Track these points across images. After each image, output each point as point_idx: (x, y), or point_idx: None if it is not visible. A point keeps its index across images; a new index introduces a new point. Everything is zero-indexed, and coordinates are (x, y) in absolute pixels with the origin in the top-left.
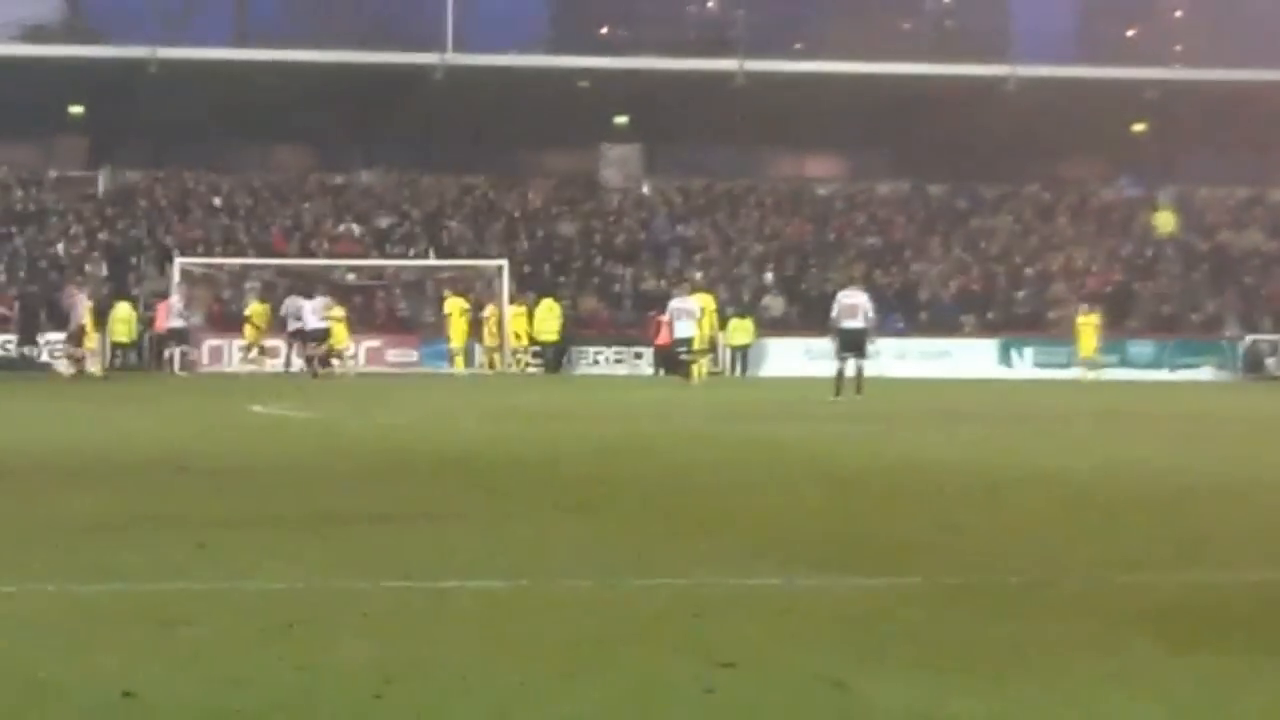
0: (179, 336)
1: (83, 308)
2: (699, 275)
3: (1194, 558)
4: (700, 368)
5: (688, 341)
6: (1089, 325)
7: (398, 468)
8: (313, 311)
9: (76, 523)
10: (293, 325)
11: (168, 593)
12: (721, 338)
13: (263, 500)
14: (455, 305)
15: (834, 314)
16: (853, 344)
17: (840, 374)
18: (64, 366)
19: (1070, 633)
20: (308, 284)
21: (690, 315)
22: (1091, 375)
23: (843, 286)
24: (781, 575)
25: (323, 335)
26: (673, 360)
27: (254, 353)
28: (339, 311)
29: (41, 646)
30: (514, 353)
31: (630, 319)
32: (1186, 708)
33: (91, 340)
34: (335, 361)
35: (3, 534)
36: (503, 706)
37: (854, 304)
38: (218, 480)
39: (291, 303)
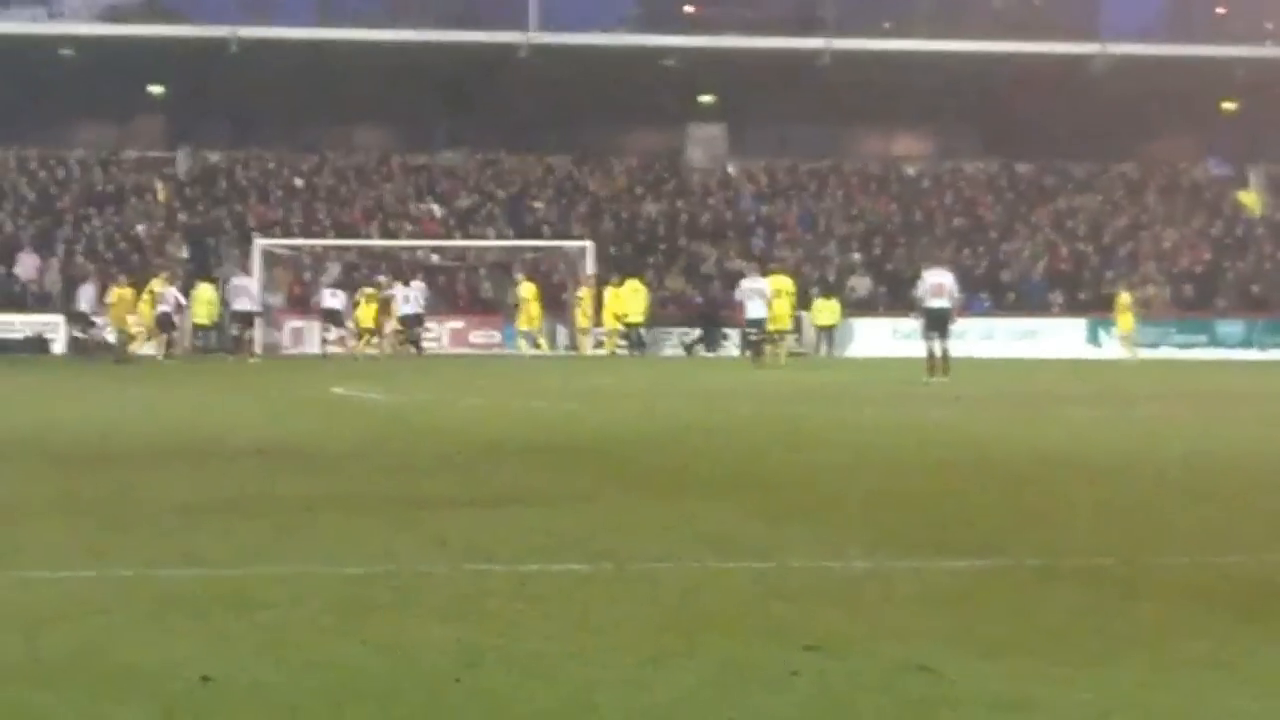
0: (246, 320)
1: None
2: (785, 256)
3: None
4: (778, 349)
5: (759, 323)
6: (1124, 305)
7: (478, 450)
8: (332, 294)
9: (154, 507)
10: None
11: (247, 577)
12: (807, 318)
13: (342, 483)
14: (529, 289)
15: (919, 293)
16: (939, 323)
17: (931, 354)
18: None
19: (1163, 616)
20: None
21: (761, 296)
22: (1127, 355)
23: (928, 265)
24: (867, 558)
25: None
26: (748, 342)
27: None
28: (370, 291)
29: (121, 632)
30: (607, 334)
31: (721, 300)
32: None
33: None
34: (351, 342)
35: (80, 519)
36: (585, 693)
37: (940, 283)
38: (297, 463)
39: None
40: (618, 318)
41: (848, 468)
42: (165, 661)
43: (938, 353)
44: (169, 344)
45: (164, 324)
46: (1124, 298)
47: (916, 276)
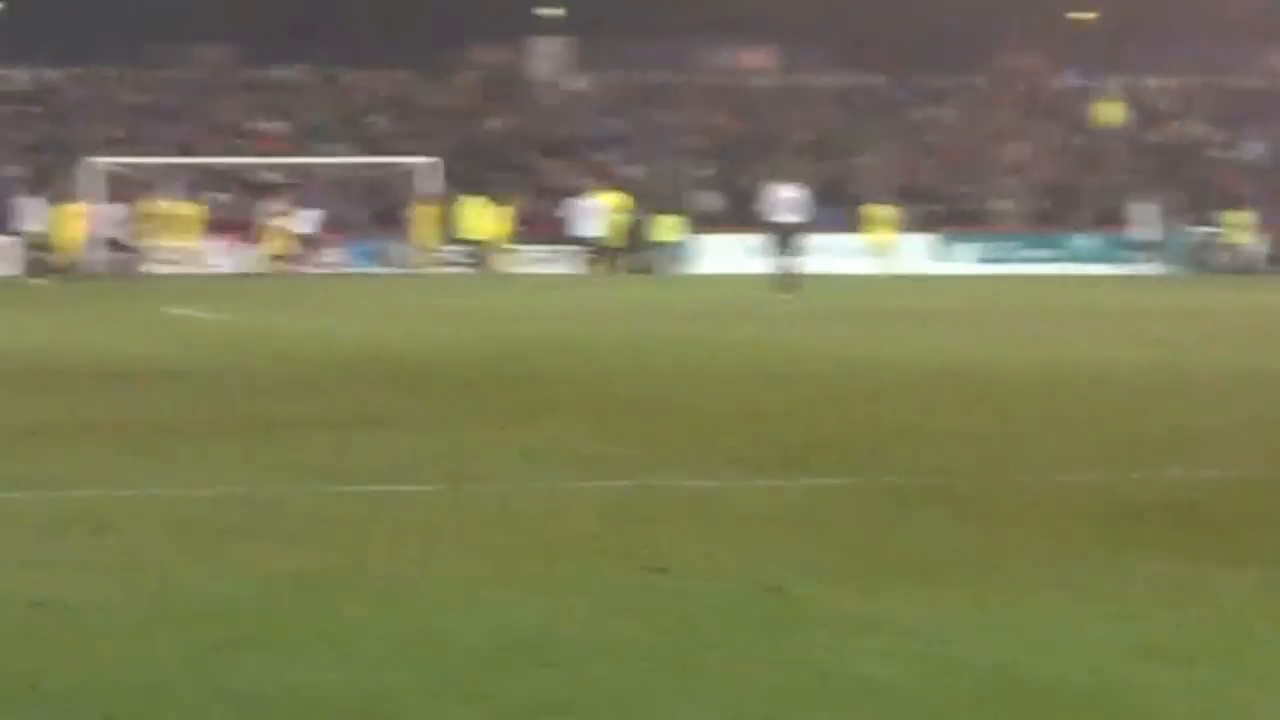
0: (116, 245)
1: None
2: (632, 173)
3: (1139, 458)
4: (614, 265)
5: (594, 241)
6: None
7: (327, 371)
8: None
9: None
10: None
11: (93, 500)
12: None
13: (189, 405)
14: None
15: (769, 208)
16: (789, 239)
17: (781, 270)
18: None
19: (1022, 536)
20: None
21: (598, 214)
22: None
23: (777, 180)
24: (719, 478)
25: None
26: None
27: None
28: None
29: None
30: (434, 250)
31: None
32: (1132, 612)
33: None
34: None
35: None
36: (437, 613)
37: (790, 198)
38: (140, 385)
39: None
40: (459, 237)
41: (698, 386)
42: (6, 587)
43: (790, 269)
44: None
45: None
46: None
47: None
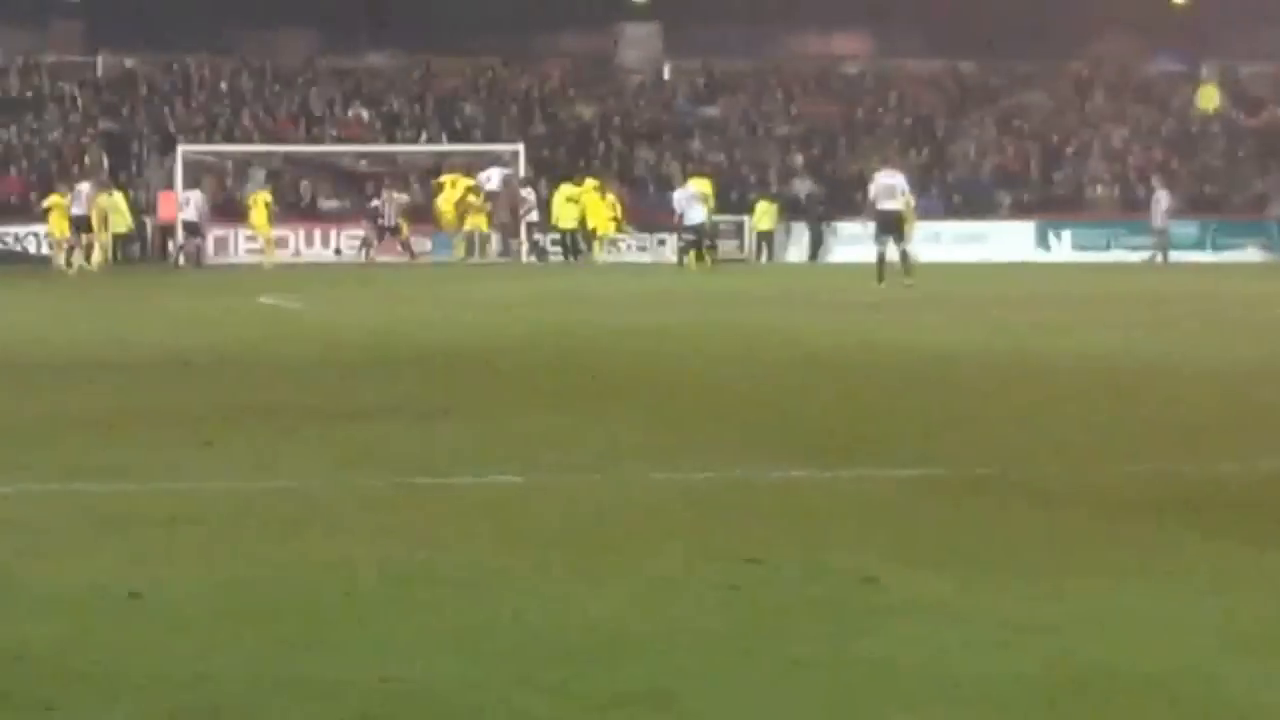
0: (192, 229)
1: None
2: (721, 159)
3: (1244, 448)
4: (697, 254)
5: (698, 228)
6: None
7: (407, 362)
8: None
9: (79, 421)
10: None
11: (172, 492)
12: (748, 223)
13: (267, 395)
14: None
15: (871, 195)
16: (891, 226)
17: (882, 258)
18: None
19: (1111, 526)
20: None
21: (700, 201)
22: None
23: (879, 167)
24: (804, 467)
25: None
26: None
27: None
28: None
29: (44, 550)
30: (532, 240)
31: (654, 204)
32: (1235, 605)
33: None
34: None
35: (3, 433)
36: (518, 609)
37: (891, 184)
38: (224, 374)
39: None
40: (553, 225)
41: (784, 375)
42: (92, 579)
43: (891, 256)
44: (86, 250)
45: (80, 226)
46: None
47: (859, 178)
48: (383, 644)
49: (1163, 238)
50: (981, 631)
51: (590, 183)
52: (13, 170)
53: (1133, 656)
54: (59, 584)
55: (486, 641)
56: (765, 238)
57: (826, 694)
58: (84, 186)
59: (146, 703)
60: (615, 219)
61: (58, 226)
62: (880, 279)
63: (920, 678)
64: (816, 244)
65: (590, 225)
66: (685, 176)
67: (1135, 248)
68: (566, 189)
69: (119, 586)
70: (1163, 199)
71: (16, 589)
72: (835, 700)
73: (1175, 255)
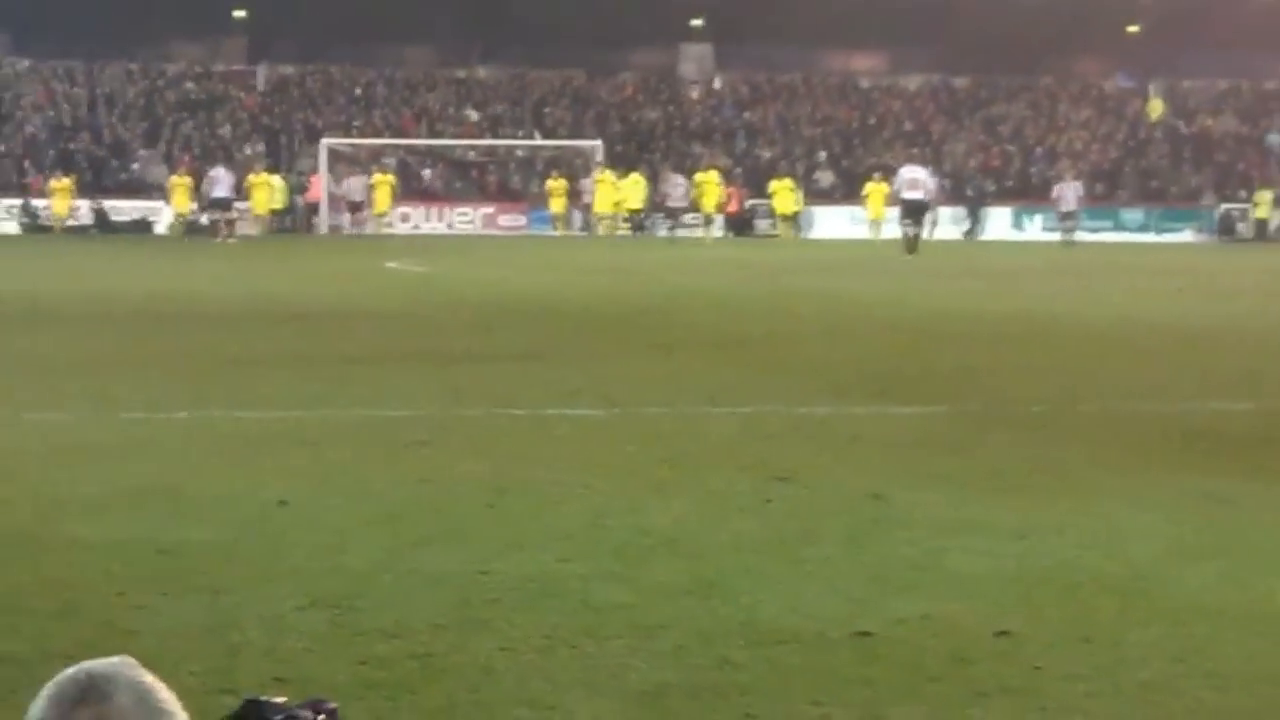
0: (224, 205)
1: (224, 182)
2: (762, 154)
3: (1193, 391)
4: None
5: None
6: (877, 192)
7: (506, 314)
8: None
9: (234, 361)
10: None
11: (312, 419)
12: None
13: (385, 342)
14: (557, 184)
15: (896, 186)
16: (913, 212)
17: (906, 236)
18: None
19: (1084, 454)
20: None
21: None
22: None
23: (904, 163)
24: (832, 405)
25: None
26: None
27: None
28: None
29: (210, 463)
30: (606, 219)
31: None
32: (1183, 520)
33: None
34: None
35: (175, 369)
36: (597, 516)
37: (914, 178)
38: (351, 324)
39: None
40: (617, 205)
41: (817, 330)
42: (248, 489)
43: (911, 234)
44: (229, 225)
45: (222, 206)
46: (874, 186)
47: (873, 171)
48: (483, 543)
49: (1074, 221)
50: (969, 539)
51: (713, 173)
52: (186, 159)
53: (1095, 560)
54: (220, 494)
55: (569, 542)
56: (791, 219)
57: (840, 586)
58: (219, 171)
59: (293, 588)
60: (720, 204)
61: (180, 203)
62: (909, 251)
63: (917, 574)
64: (975, 222)
65: (709, 208)
66: (695, 169)
67: (1093, 230)
68: (634, 176)
69: (270, 496)
70: (1073, 188)
71: (185, 498)
72: (847, 591)
73: (1126, 237)
